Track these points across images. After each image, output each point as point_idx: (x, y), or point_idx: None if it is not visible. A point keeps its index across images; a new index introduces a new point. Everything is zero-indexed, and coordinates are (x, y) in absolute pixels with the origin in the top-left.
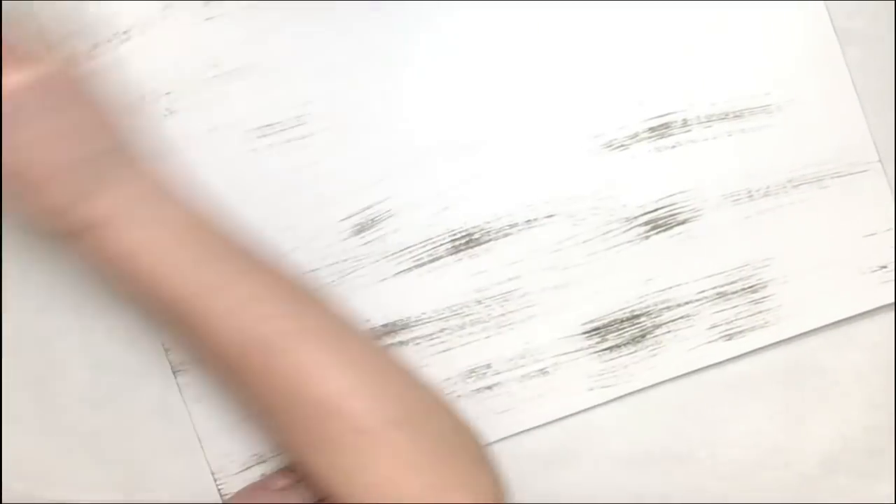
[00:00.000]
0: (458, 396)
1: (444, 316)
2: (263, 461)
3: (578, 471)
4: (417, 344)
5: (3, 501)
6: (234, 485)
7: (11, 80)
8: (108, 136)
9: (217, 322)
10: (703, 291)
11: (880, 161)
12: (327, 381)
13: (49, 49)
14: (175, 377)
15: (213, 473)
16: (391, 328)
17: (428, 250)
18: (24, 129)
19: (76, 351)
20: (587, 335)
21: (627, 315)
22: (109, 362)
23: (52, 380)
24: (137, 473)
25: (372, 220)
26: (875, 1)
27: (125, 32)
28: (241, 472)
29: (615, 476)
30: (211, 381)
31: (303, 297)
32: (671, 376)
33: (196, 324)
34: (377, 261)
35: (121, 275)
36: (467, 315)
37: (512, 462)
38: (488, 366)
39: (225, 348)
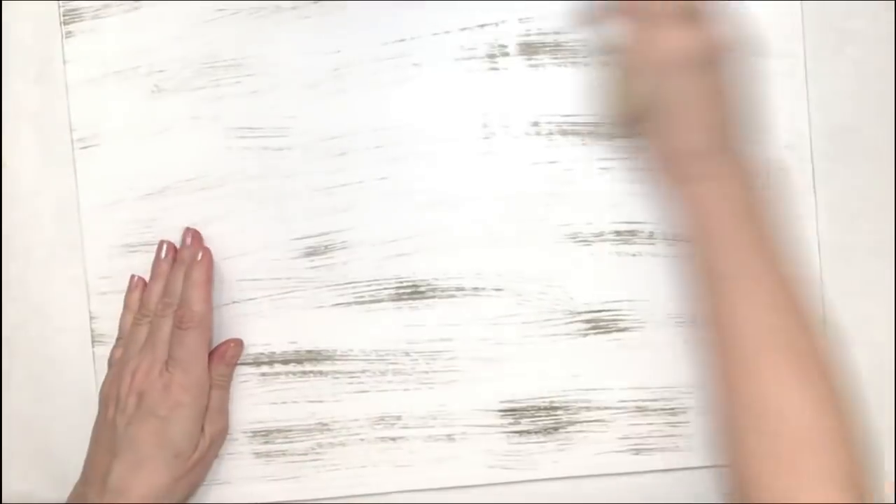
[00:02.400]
0: (362, 440)
1: (369, 358)
2: None
3: None
4: (336, 378)
5: (3, 501)
6: None
7: (682, 41)
8: (736, 113)
9: (730, 308)
10: (624, 401)
11: (823, 321)
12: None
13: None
14: None
15: None
16: (315, 356)
17: (372, 290)
18: (684, 80)
19: (76, 351)
20: (502, 414)
21: (546, 405)
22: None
23: (52, 380)
24: None
25: (325, 246)
26: (875, 1)
27: None
28: None
29: None
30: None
31: (800, 314)
32: (572, 475)
33: (721, 298)
34: (319, 287)
35: (695, 225)
36: (392, 363)
37: None
38: (399, 418)
39: (722, 334)
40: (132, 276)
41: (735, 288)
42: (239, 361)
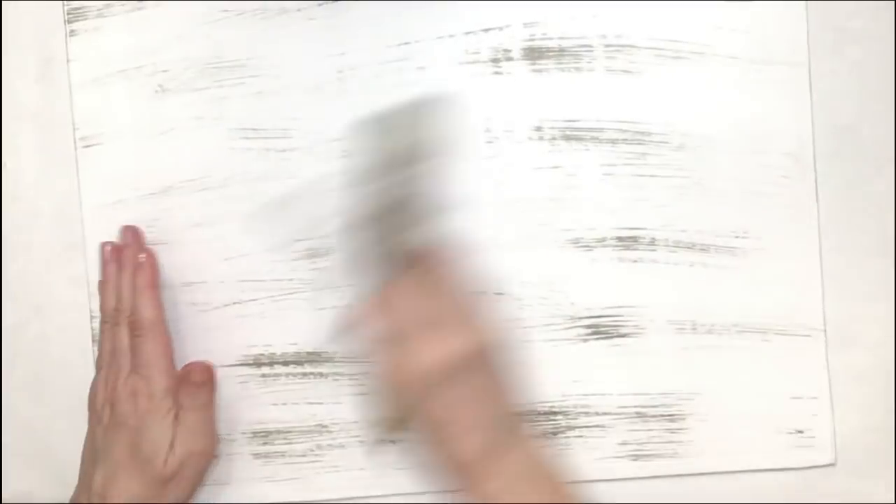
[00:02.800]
0: (361, 442)
1: (370, 360)
2: None
3: None
4: (337, 380)
5: (3, 502)
6: None
7: (439, 354)
8: (507, 401)
9: None
10: (623, 407)
11: (824, 331)
12: None
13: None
14: None
15: None
16: (316, 357)
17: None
18: (448, 391)
19: (76, 351)
20: None
21: (546, 409)
22: None
23: (52, 380)
24: None
25: (327, 249)
26: (875, 1)
27: None
28: None
29: None
30: None
31: None
32: (570, 480)
33: None
34: (320, 289)
35: None
36: None
37: None
38: None
39: None
40: (99, 282)
41: None
42: (240, 362)
